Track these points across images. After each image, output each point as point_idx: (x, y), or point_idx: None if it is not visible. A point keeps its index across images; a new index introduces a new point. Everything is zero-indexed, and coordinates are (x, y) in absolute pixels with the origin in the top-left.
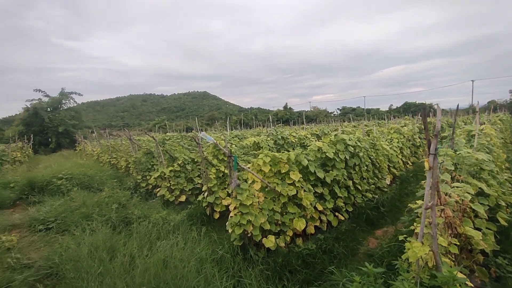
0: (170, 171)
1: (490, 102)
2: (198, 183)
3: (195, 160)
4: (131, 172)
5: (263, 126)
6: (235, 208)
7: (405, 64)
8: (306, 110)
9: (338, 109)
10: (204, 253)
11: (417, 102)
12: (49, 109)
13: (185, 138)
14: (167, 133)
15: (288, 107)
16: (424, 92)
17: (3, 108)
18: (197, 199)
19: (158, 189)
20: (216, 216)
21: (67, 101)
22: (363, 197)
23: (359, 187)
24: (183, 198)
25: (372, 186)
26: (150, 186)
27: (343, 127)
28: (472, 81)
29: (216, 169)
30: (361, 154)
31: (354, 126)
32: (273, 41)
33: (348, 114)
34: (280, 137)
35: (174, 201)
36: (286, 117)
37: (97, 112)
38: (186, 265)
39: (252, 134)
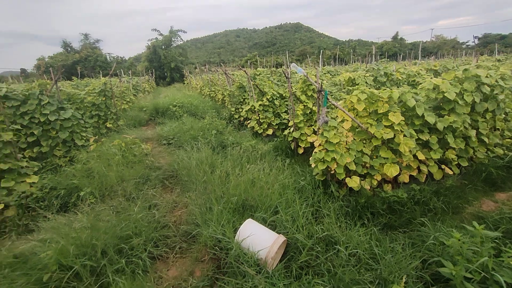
0: (260, 105)
1: None
2: (285, 118)
3: (283, 95)
4: (226, 105)
5: (362, 62)
6: (319, 145)
7: None
8: (424, 41)
9: (475, 37)
10: (287, 180)
11: None
12: (163, 47)
13: (274, 74)
14: (257, 69)
15: (399, 37)
16: None
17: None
18: (283, 134)
19: (248, 121)
20: (300, 151)
21: (175, 39)
22: (488, 152)
23: (485, 140)
24: (270, 131)
25: (508, 140)
26: (242, 118)
27: (479, 61)
28: None
29: (304, 105)
30: (501, 97)
31: (498, 60)
32: None
33: (492, 44)
34: (382, 73)
35: (262, 133)
36: (394, 50)
37: (198, 49)
38: (271, 187)
39: (347, 70)
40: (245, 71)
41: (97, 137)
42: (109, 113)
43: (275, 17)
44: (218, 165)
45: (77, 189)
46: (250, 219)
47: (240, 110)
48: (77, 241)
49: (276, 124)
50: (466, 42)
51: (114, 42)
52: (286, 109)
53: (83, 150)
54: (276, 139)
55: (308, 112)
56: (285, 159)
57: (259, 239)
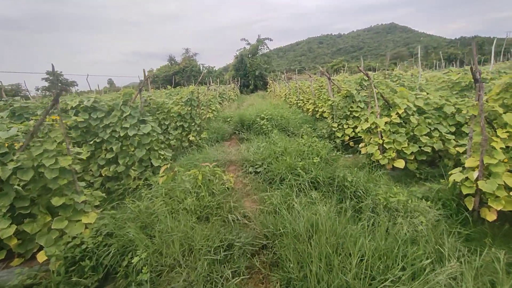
0: (386, 123)
1: None
2: (426, 145)
3: (423, 109)
4: (326, 117)
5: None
6: None
7: None
8: None
9: None
10: None
11: None
12: (249, 55)
13: (388, 78)
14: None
15: None
16: None
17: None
18: (450, 179)
19: (362, 144)
20: (491, 217)
21: (262, 47)
22: None
23: None
24: (400, 163)
25: None
26: (347, 138)
27: None
28: None
29: (508, 133)
30: None
31: None
32: None
33: None
34: None
35: (386, 165)
36: None
37: (280, 58)
38: None
39: None
40: (366, 74)
41: (168, 165)
42: (193, 124)
43: (364, 19)
44: (349, 244)
45: (132, 246)
46: None
47: (345, 126)
48: None
49: (412, 153)
50: None
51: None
52: (429, 129)
53: (156, 176)
54: (417, 178)
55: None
56: (454, 227)
57: None
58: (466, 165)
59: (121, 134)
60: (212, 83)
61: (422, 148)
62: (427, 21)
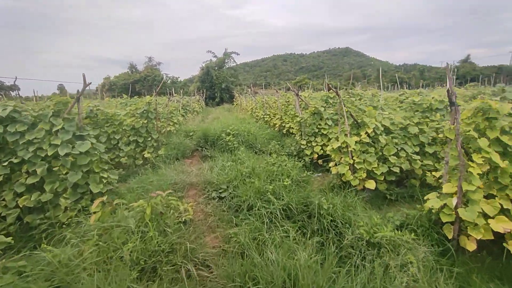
0: (356, 142)
1: None
2: (395, 165)
3: (390, 129)
4: (293, 133)
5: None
6: None
7: None
8: (499, 66)
9: None
10: None
11: None
12: (216, 68)
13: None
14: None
15: (469, 60)
16: None
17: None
18: (427, 206)
19: (332, 164)
20: (471, 246)
21: (228, 60)
22: None
23: None
24: (371, 183)
25: None
26: (316, 156)
27: None
28: None
29: (483, 158)
30: None
31: None
32: None
33: None
34: None
35: (356, 186)
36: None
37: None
38: None
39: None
40: (336, 92)
41: (105, 198)
42: (149, 139)
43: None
44: None
45: None
46: None
47: (314, 144)
48: None
49: (382, 174)
50: None
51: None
52: (396, 150)
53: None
54: (391, 202)
55: (487, 171)
56: (442, 262)
57: None
58: (443, 191)
59: (49, 153)
60: (175, 94)
61: (391, 168)
62: (377, 49)
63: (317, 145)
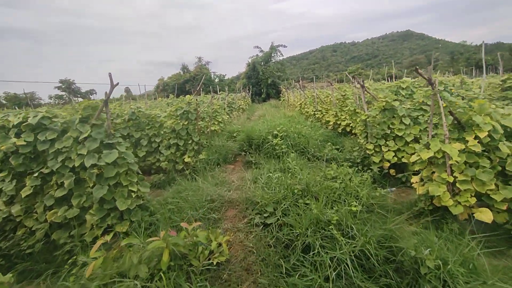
0: (460, 151)
1: None
2: None
3: None
4: (350, 132)
5: None
6: None
7: None
8: None
9: None
10: None
11: None
12: (262, 63)
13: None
14: (404, 78)
15: None
16: None
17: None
18: None
19: (416, 179)
20: None
21: (275, 54)
22: None
23: None
24: (486, 214)
25: None
26: (387, 164)
27: None
28: None
29: None
30: None
31: None
32: None
33: None
34: None
35: (458, 216)
36: None
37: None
38: None
39: None
40: (428, 80)
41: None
42: (190, 142)
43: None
44: None
45: None
46: None
47: (385, 149)
48: None
49: (504, 201)
50: None
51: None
52: None
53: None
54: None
55: None
56: None
57: None
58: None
59: (76, 164)
60: (220, 91)
61: None
62: (445, 28)
63: (389, 150)
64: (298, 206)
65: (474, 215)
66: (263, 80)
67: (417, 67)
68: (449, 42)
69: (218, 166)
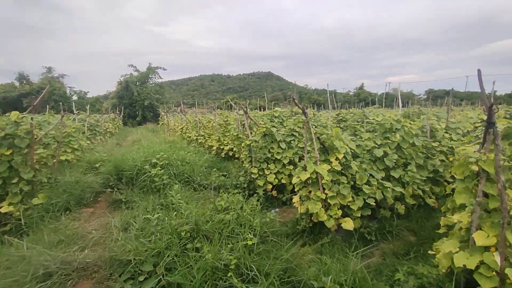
0: (329, 171)
1: None
2: (369, 195)
3: (357, 153)
4: (232, 156)
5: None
6: None
7: None
8: (380, 92)
9: (425, 92)
10: None
11: None
12: (138, 83)
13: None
14: (275, 108)
15: (363, 88)
16: None
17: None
18: (443, 261)
19: (296, 199)
20: None
21: (153, 75)
22: None
23: None
24: (349, 223)
25: None
26: (270, 187)
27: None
28: None
29: None
30: None
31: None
32: (349, 16)
33: (440, 97)
34: None
35: (331, 228)
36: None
37: (172, 90)
38: None
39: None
40: (302, 109)
41: None
42: (14, 181)
43: (248, 65)
44: None
45: None
46: None
47: (267, 172)
48: None
49: (359, 209)
50: (418, 95)
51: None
52: (367, 177)
53: None
54: (372, 243)
55: None
56: None
57: None
58: (477, 243)
59: None
60: (77, 111)
61: (366, 200)
62: (293, 74)
63: (270, 173)
64: (187, 254)
65: (341, 225)
66: (139, 102)
67: (293, 97)
68: (297, 84)
69: (67, 212)
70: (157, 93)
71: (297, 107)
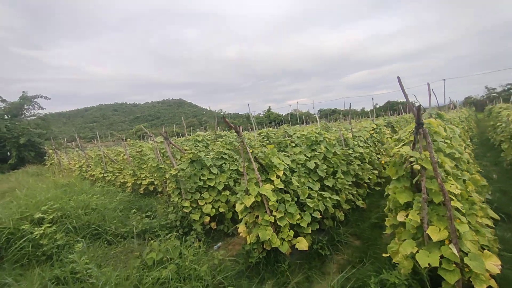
0: (273, 191)
1: (467, 98)
2: (314, 209)
3: (293, 167)
4: (154, 191)
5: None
6: None
7: (372, 69)
8: (284, 114)
9: (318, 111)
10: None
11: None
12: (7, 116)
13: (219, 138)
14: (198, 132)
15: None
16: (392, 94)
17: None
18: (404, 263)
19: (243, 228)
20: None
21: (30, 107)
22: None
23: None
24: (303, 243)
25: None
26: (208, 219)
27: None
28: (444, 80)
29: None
30: None
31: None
32: (246, 49)
33: (331, 115)
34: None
35: (286, 252)
36: (280, 118)
37: (63, 124)
38: None
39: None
40: (235, 128)
41: None
42: None
43: (157, 93)
44: None
45: None
46: None
47: (201, 203)
48: None
49: (308, 225)
50: (313, 114)
51: None
52: (308, 190)
53: None
54: (326, 259)
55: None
56: None
57: None
58: (434, 239)
59: None
60: None
61: (312, 214)
62: (204, 101)
63: (205, 203)
64: None
65: (295, 246)
66: (11, 140)
67: (223, 117)
68: (211, 110)
69: None
70: (39, 127)
71: (224, 128)
